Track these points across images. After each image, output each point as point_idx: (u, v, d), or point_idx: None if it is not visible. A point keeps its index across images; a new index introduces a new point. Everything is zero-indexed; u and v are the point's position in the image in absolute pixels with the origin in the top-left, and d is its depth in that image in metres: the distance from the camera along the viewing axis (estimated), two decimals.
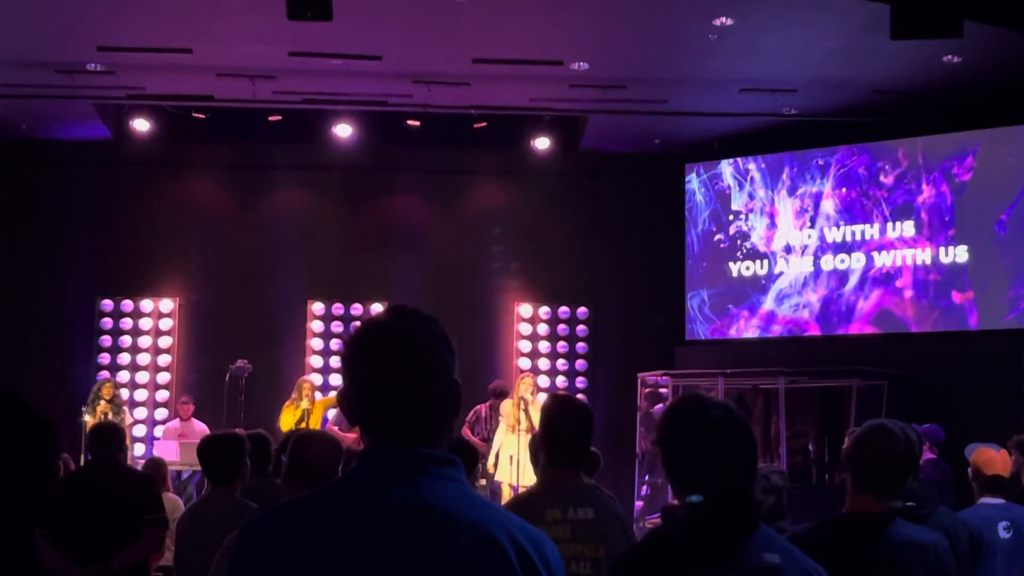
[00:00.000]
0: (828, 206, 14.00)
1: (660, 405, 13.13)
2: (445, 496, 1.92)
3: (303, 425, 11.63)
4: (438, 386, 2.00)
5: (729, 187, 14.66)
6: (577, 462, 3.90)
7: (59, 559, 5.64)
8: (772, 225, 14.36)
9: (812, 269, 14.05)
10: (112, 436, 6.18)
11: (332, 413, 12.42)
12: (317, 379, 14.19)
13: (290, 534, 1.90)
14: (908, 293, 13.38)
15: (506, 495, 11.60)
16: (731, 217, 14.63)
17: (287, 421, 11.97)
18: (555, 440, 3.86)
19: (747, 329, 14.43)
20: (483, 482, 12.00)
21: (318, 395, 12.86)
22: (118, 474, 5.98)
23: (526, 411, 11.60)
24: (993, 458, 5.27)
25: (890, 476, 3.53)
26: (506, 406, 12.01)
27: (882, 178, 13.65)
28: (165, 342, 14.52)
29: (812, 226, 14.10)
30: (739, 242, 14.55)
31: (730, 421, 2.63)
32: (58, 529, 5.65)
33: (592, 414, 4.04)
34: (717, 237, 14.68)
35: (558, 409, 3.99)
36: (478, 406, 12.54)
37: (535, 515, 3.63)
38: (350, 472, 1.98)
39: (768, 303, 14.30)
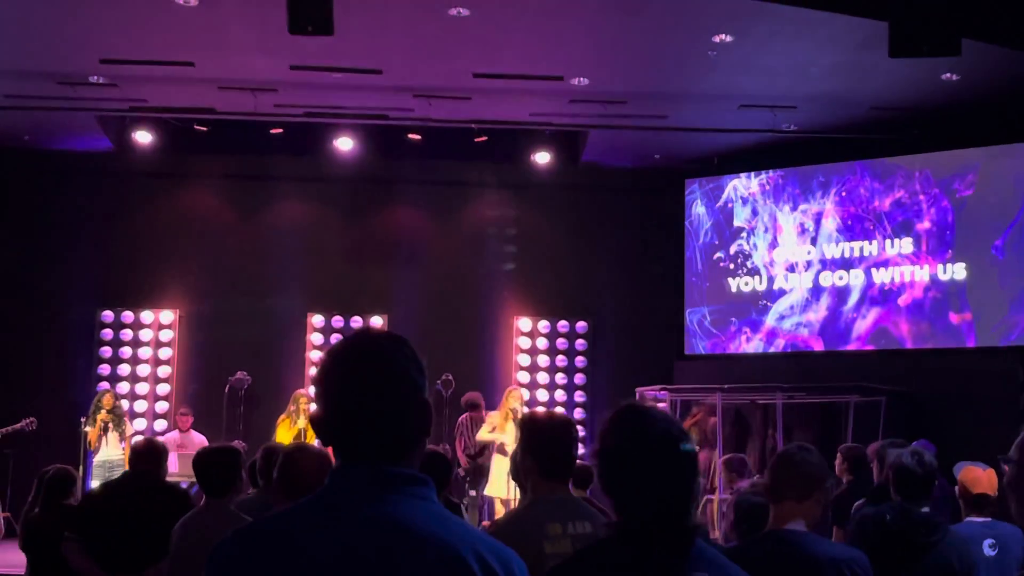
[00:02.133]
0: (829, 223, 14.02)
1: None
2: (413, 514, 1.94)
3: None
4: (407, 405, 2.03)
5: (730, 203, 14.69)
6: (569, 473, 3.92)
7: (89, 566, 5.72)
8: (773, 242, 14.39)
9: (812, 286, 14.07)
10: (152, 451, 6.28)
11: None
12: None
13: (260, 552, 1.93)
14: (906, 313, 13.38)
15: (499, 511, 11.59)
16: (732, 234, 14.66)
17: (283, 438, 11.97)
18: (545, 452, 3.86)
19: (746, 345, 14.44)
20: (473, 494, 12.01)
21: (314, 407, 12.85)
22: (156, 486, 6.04)
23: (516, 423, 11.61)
24: (979, 477, 5.30)
25: (804, 493, 3.62)
26: (494, 418, 12.02)
27: (882, 195, 13.67)
28: (165, 353, 14.55)
29: (812, 243, 14.12)
30: (740, 259, 14.57)
31: (672, 438, 2.57)
32: (95, 537, 5.72)
33: (574, 424, 4.08)
34: (717, 255, 14.71)
35: (543, 422, 4.02)
36: (460, 418, 12.55)
37: (537, 529, 3.63)
38: (320, 491, 2.01)
39: (768, 319, 14.32)
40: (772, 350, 14.25)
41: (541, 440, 3.87)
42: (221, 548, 1.98)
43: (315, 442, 11.67)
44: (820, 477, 3.67)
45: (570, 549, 3.61)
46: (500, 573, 1.93)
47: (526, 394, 14.38)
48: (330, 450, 2.03)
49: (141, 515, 5.79)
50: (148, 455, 6.25)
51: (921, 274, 13.29)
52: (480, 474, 12.13)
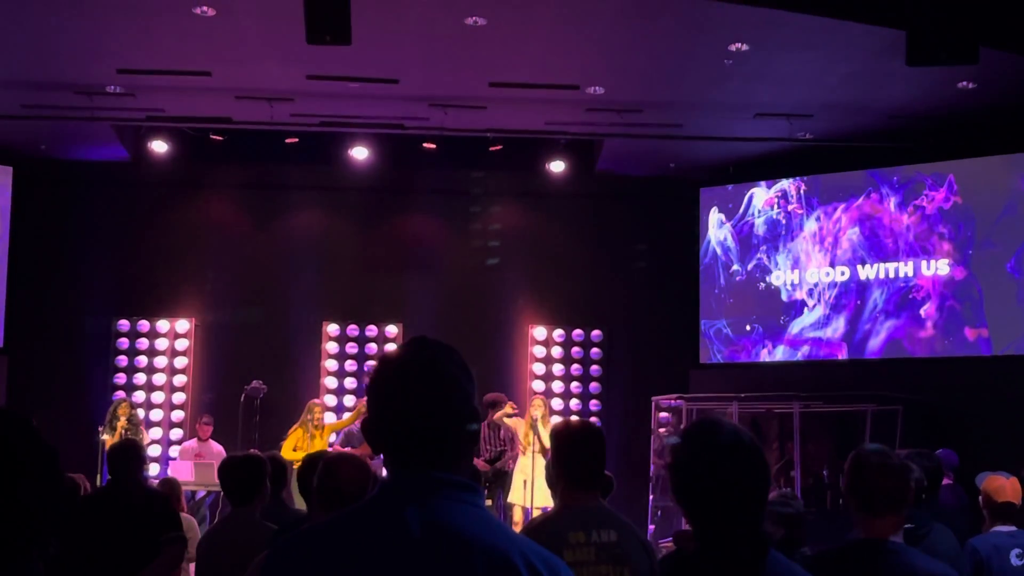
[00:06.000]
0: (846, 233, 13.98)
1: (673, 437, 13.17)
2: (462, 520, 1.97)
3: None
4: (457, 414, 2.06)
5: (746, 211, 14.67)
6: (596, 483, 3.94)
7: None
8: (790, 251, 14.35)
9: (830, 296, 14.03)
10: (131, 454, 6.17)
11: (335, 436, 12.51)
12: (331, 400, 14.23)
13: (314, 558, 1.97)
14: (922, 326, 13.31)
15: (517, 517, 11.58)
16: (749, 243, 14.63)
17: (289, 448, 11.87)
18: (574, 463, 3.89)
19: (763, 353, 14.41)
20: (489, 502, 11.98)
21: (330, 416, 12.87)
22: (136, 492, 5.97)
23: (536, 431, 11.62)
24: (1004, 486, 5.27)
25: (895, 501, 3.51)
26: (518, 422, 12.02)
27: (899, 205, 13.62)
28: (181, 362, 14.58)
29: (830, 253, 14.08)
30: (757, 270, 14.54)
31: (742, 448, 2.58)
32: (77, 548, 5.65)
33: (604, 435, 4.10)
34: (734, 268, 14.69)
35: (574, 432, 4.04)
36: None
37: (559, 538, 3.65)
38: (371, 497, 2.05)
39: (785, 328, 14.28)
40: (798, 357, 14.17)
41: (569, 450, 3.90)
42: (276, 555, 2.03)
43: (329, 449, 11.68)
44: (913, 486, 3.58)
45: (593, 557, 3.64)
46: None
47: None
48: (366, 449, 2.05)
49: (121, 522, 5.72)
50: (126, 458, 6.09)
51: (938, 284, 13.23)
52: (499, 481, 12.10)
